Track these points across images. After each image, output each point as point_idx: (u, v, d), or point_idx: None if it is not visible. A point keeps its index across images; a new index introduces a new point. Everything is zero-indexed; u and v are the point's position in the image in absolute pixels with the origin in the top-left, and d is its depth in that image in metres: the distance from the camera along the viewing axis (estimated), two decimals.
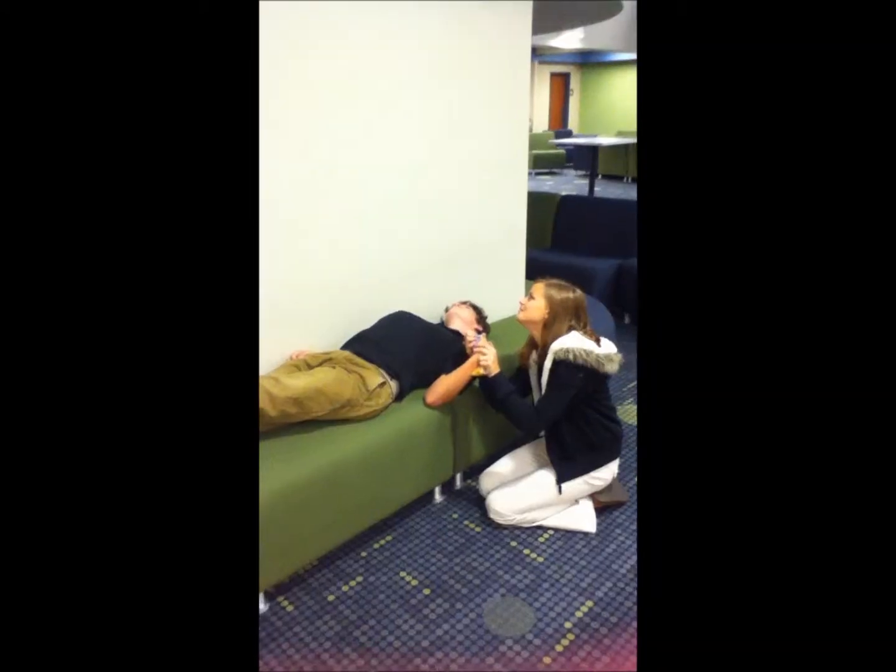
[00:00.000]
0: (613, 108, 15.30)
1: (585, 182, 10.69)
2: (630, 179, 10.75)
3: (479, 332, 2.42)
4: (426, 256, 2.50)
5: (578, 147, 10.39)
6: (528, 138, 2.80)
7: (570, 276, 3.94)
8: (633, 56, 13.86)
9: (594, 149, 7.10)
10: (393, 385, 2.01)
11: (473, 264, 2.72)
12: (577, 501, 2.13)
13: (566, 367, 1.90)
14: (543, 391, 1.99)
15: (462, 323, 2.38)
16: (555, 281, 2.08)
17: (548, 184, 10.68)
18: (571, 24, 4.46)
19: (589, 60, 15.01)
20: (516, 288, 3.01)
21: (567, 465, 2.05)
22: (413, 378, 2.07)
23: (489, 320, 2.62)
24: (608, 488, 2.14)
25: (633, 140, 8.35)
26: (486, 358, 2.00)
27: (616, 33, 8.65)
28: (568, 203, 4.37)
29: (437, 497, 2.26)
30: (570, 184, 10.66)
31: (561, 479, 2.04)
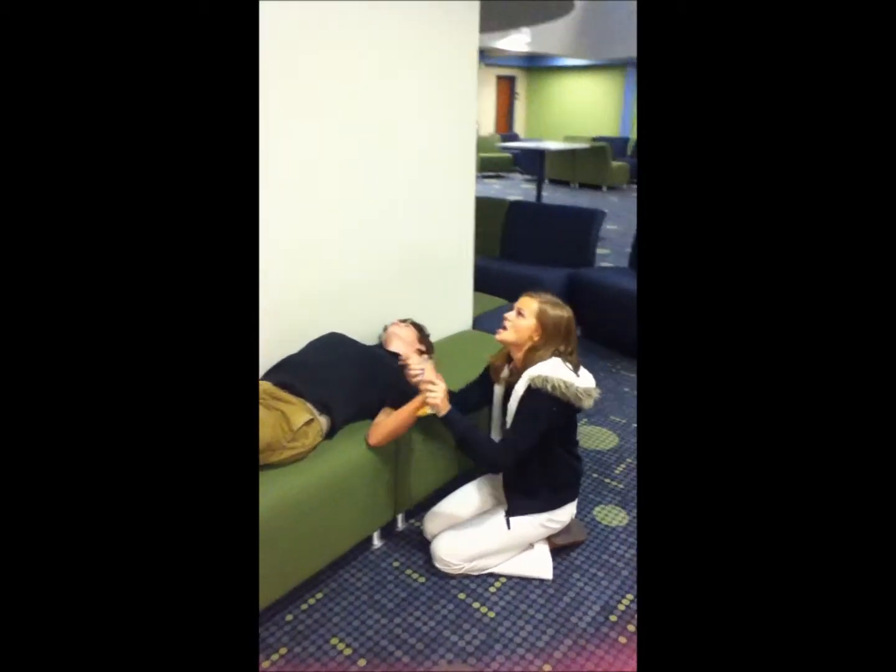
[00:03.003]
0: (559, 113, 15.36)
1: (532, 186, 10.62)
2: (577, 185, 10.74)
3: (422, 353, 2.18)
4: (361, 269, 2.24)
5: (525, 151, 10.30)
6: (475, 141, 2.58)
7: (519, 287, 3.80)
8: (581, 62, 13.95)
9: (542, 153, 6.98)
10: (323, 421, 1.75)
11: (416, 277, 2.48)
12: (531, 545, 1.92)
13: (540, 397, 1.67)
14: (510, 419, 1.77)
15: (402, 344, 2.14)
16: (547, 296, 1.81)
17: (494, 187, 10.55)
18: (520, 24, 4.30)
19: (535, 64, 15.02)
20: (464, 301, 2.79)
21: (523, 502, 1.84)
22: (348, 411, 1.82)
23: (435, 338, 2.39)
24: (565, 529, 1.94)
25: (581, 146, 8.31)
26: (434, 395, 1.70)
27: (563, 38, 8.60)
28: (518, 209, 4.19)
29: (376, 542, 2.01)
30: (517, 188, 10.57)
31: (511, 513, 1.82)
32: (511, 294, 3.47)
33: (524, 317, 1.76)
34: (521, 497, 1.84)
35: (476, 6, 2.41)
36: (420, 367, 1.78)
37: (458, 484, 2.08)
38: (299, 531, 1.66)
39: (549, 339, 1.74)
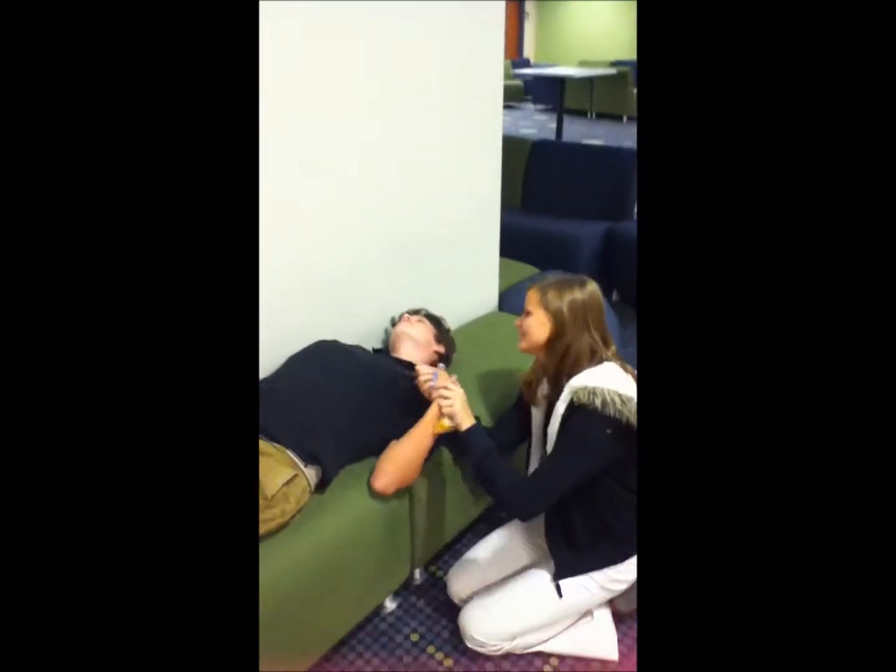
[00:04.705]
0: (572, 35, 14.19)
1: (546, 117, 9.81)
2: (594, 115, 9.91)
3: (440, 357, 1.70)
4: (366, 244, 1.72)
5: (539, 79, 9.41)
6: (501, 73, 1.99)
7: (547, 246, 3.24)
8: None
9: (561, 81, 6.20)
10: (310, 474, 1.28)
11: (429, 246, 1.94)
12: (590, 613, 1.49)
13: (588, 419, 1.22)
14: (550, 448, 1.32)
15: (415, 346, 1.64)
16: (550, 279, 1.39)
17: (505, 120, 9.72)
18: None
19: None
20: (489, 274, 2.27)
21: (572, 557, 1.39)
22: (345, 455, 1.35)
23: (452, 325, 1.89)
24: (631, 589, 1.50)
25: (602, 71, 7.49)
26: (449, 403, 1.33)
27: None
28: (542, 151, 3.57)
29: (388, 604, 1.58)
30: (530, 119, 9.75)
31: (561, 575, 1.39)
32: (539, 257, 2.95)
33: (531, 314, 1.36)
34: (567, 551, 1.40)
35: None
36: (430, 373, 1.42)
37: (489, 520, 1.64)
38: (286, 624, 1.22)
39: (566, 326, 1.32)
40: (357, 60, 1.53)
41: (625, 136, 8.33)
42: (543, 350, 1.37)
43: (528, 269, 2.62)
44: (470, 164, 1.99)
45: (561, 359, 1.33)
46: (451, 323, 1.89)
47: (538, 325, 1.35)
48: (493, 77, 1.95)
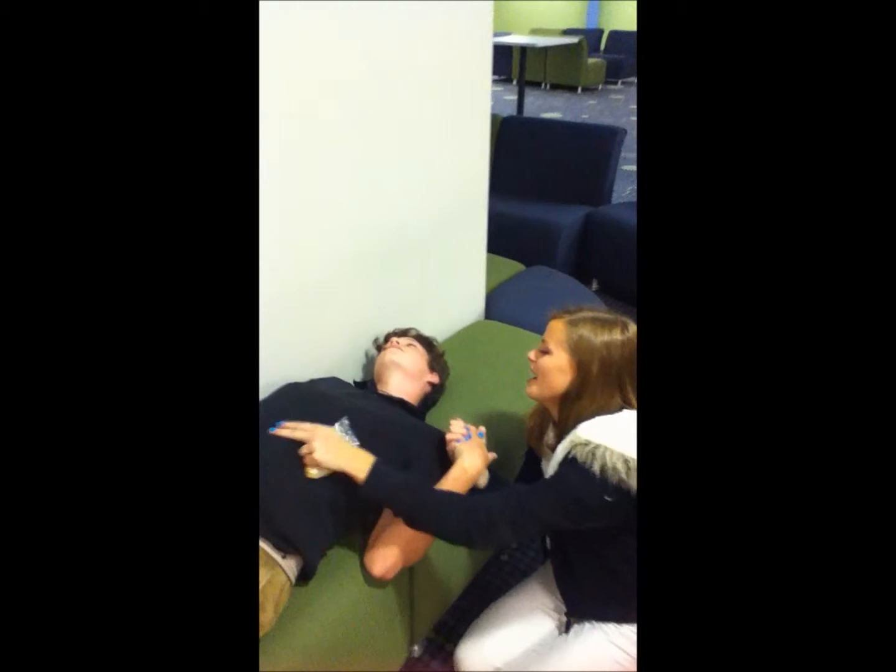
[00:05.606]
0: (522, 3, 13.82)
1: (500, 89, 9.47)
2: (548, 86, 9.64)
3: (433, 387, 1.44)
4: (344, 242, 1.42)
5: (494, 48, 9.03)
6: (491, 51, 1.71)
7: (524, 234, 2.97)
8: None
9: (522, 51, 5.86)
10: (289, 566, 1.00)
11: (410, 250, 1.66)
12: None
13: (585, 480, 0.96)
14: None
15: (405, 378, 1.36)
16: (586, 312, 1.10)
17: None
18: None
19: None
20: (475, 278, 2.01)
21: (583, 600, 1.18)
22: (331, 533, 1.08)
23: (437, 340, 1.62)
24: None
25: (561, 40, 7.19)
26: (309, 450, 1.03)
27: None
28: (512, 128, 3.29)
29: None
30: None
31: (573, 611, 1.18)
32: (514, 246, 2.69)
33: (551, 353, 1.08)
34: (575, 593, 1.20)
35: None
36: (463, 431, 1.19)
37: (491, 577, 1.41)
38: None
39: (590, 377, 1.05)
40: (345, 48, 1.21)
41: (582, 107, 8.11)
42: (556, 402, 1.10)
43: (511, 265, 2.37)
44: (457, 148, 1.71)
45: (577, 416, 1.06)
46: (436, 334, 1.62)
47: (556, 371, 1.07)
48: (482, 48, 1.67)
